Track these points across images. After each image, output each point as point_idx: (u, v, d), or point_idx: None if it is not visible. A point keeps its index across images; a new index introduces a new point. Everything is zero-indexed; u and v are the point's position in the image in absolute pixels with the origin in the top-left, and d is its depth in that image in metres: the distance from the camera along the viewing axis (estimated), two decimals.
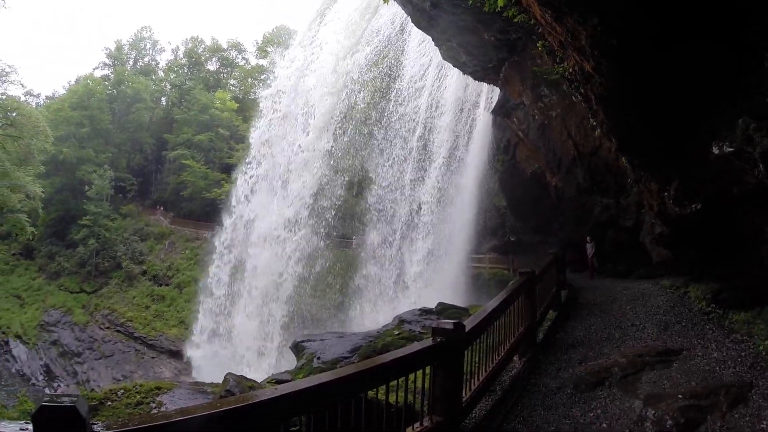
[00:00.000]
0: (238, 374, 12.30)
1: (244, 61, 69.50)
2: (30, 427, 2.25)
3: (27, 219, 34.00)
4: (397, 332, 15.12)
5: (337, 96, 35.39)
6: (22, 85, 33.76)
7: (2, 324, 45.02)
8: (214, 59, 69.68)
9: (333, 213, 34.71)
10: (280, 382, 13.62)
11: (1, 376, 38.97)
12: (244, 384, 10.48)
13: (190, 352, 38.31)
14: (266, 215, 36.79)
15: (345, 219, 35.36)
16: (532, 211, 22.34)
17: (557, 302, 12.05)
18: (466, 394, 5.60)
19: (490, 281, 24.15)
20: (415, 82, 31.38)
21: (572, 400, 6.66)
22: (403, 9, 20.91)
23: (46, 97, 74.24)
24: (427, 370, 5.01)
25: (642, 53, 6.24)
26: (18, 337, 43.53)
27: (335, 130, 35.23)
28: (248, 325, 34.35)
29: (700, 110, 6.70)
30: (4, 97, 32.20)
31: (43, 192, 35.18)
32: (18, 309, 46.88)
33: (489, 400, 6.63)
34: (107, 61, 66.05)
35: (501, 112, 22.18)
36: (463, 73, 23.40)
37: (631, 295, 12.90)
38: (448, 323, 5.12)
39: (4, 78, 31.45)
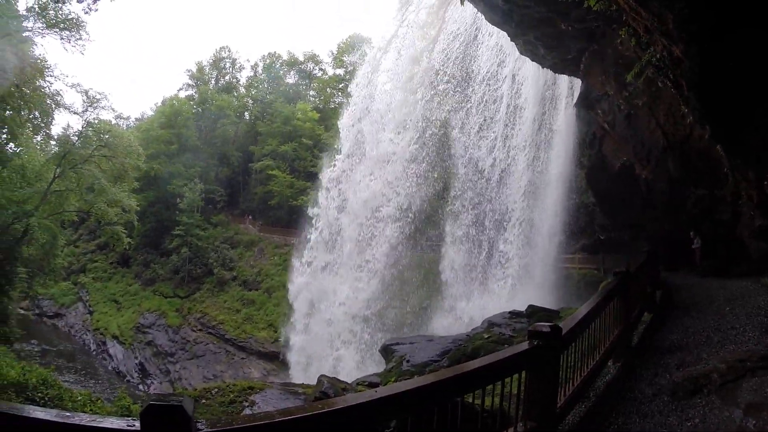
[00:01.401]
0: (330, 376, 12.47)
1: (321, 72, 71.07)
2: (137, 423, 2.31)
3: (123, 230, 36.53)
4: (486, 336, 14.96)
5: (416, 99, 35.28)
6: (113, 110, 36.83)
7: (101, 326, 48.65)
8: (292, 72, 71.93)
9: (418, 216, 34.47)
10: (371, 384, 13.83)
11: (99, 373, 41.54)
12: (338, 386, 10.63)
13: (285, 352, 39.30)
14: (351, 221, 37.21)
15: (430, 221, 35.10)
16: (621, 207, 21.19)
17: (652, 303, 11.29)
18: (560, 399, 5.35)
19: (581, 282, 23.06)
20: (493, 80, 30.73)
21: (669, 407, 6.24)
22: (476, 6, 20.58)
23: (135, 119, 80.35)
24: (523, 374, 4.82)
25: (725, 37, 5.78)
26: (115, 337, 46.69)
27: (417, 134, 35.01)
28: (334, 327, 34.88)
29: None
30: (96, 121, 34.46)
31: (138, 205, 37.70)
32: (115, 312, 50.42)
33: (583, 406, 6.34)
34: (190, 81, 69.58)
35: (584, 104, 21.30)
36: (543, 67, 22.58)
37: (730, 295, 11.98)
38: (545, 326, 4.91)
39: (95, 104, 33.40)
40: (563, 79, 25.06)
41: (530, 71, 27.08)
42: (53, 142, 35.06)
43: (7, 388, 10.40)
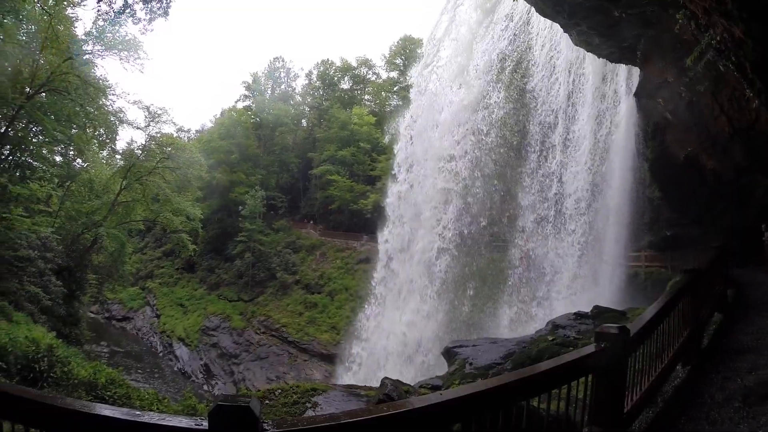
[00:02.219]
0: (393, 379, 12.52)
1: (375, 76, 72.09)
2: (204, 423, 2.36)
3: (188, 238, 37.99)
4: (551, 338, 14.60)
5: (475, 97, 34.86)
6: (174, 123, 38.40)
7: (167, 328, 51.22)
8: (346, 78, 72.83)
9: (483, 215, 34.20)
10: (434, 387, 13.91)
11: (165, 373, 43.74)
12: (401, 388, 10.61)
13: (348, 354, 39.75)
14: (419, 224, 37.24)
15: (492, 221, 34.58)
16: (688, 200, 20.07)
17: (723, 302, 10.56)
18: (627, 404, 5.11)
19: (647, 281, 22.02)
20: (549, 74, 29.92)
21: (740, 414, 5.84)
22: (526, 0, 20.14)
23: (196, 131, 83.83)
24: (589, 378, 4.61)
25: None
26: (181, 340, 48.94)
27: (475, 133, 34.59)
28: (398, 328, 34.97)
29: None
30: (159, 135, 36.30)
31: (201, 213, 39.12)
32: (181, 316, 52.91)
33: (650, 411, 6.06)
34: (247, 92, 71.79)
35: (644, 93, 20.26)
36: (598, 57, 21.85)
37: None
38: (612, 328, 4.70)
39: (157, 119, 34.96)
40: (622, 70, 24.09)
41: (588, 63, 26.30)
42: (118, 156, 36.96)
43: (78, 387, 10.93)
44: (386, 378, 12.08)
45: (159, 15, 19.29)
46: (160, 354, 49.11)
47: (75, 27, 27.99)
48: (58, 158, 33.05)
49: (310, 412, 9.52)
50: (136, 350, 47.64)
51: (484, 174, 33.93)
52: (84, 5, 21.20)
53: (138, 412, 2.58)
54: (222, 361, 45.45)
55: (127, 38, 27.82)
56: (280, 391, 11.22)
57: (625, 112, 23.94)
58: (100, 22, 25.06)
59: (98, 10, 20.95)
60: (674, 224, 21.89)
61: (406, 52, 63.76)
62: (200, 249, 59.10)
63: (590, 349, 4.68)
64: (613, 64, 22.94)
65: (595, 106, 26.45)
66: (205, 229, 57.61)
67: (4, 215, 18.75)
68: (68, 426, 2.53)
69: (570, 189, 27.61)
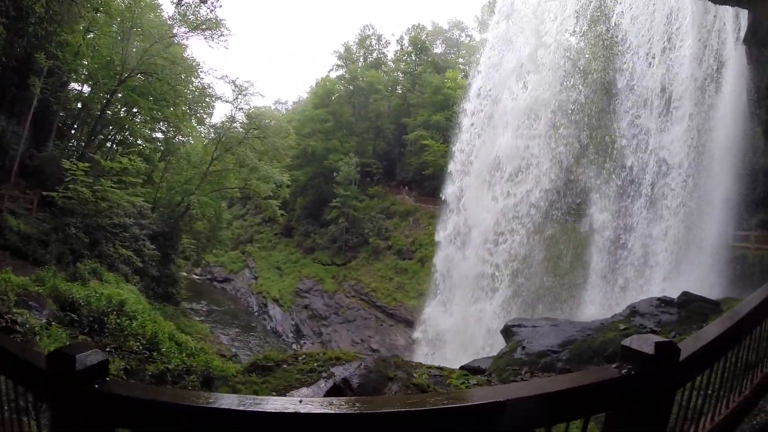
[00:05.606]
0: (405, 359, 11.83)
1: (468, 38, 69.74)
2: None
3: (278, 204, 39.15)
4: (623, 326, 12.86)
5: (557, 51, 31.63)
6: (261, 95, 39.17)
7: (263, 290, 53.79)
8: (438, 42, 71.00)
9: (563, 180, 30.97)
10: (471, 370, 12.87)
11: (257, 330, 45.95)
12: (385, 371, 9.70)
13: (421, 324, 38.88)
14: (485, 190, 34.94)
15: (573, 189, 31.52)
16: None
17: None
18: None
19: (756, 266, 18.34)
20: (641, 23, 26.39)
21: None
22: None
23: (293, 103, 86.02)
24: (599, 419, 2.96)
25: None
26: (275, 300, 51.20)
27: (558, 90, 31.33)
28: (466, 300, 33.38)
29: None
30: (248, 106, 37.74)
31: (291, 180, 40.26)
32: (277, 278, 55.28)
33: None
34: (339, 62, 71.74)
35: (755, 41, 16.99)
36: None
37: None
38: (647, 343, 2.86)
39: (244, 92, 36.11)
40: (728, 13, 20.25)
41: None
42: (210, 129, 38.65)
43: (128, 336, 11.63)
44: (371, 355, 11.26)
45: None
46: (255, 313, 51.78)
47: (160, 11, 29.48)
48: (159, 135, 35.45)
49: (321, 382, 9.13)
50: (232, 309, 50.43)
51: (569, 131, 30.57)
52: None
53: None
54: (312, 322, 47.00)
55: (208, 18, 28.67)
56: (304, 357, 10.97)
57: (732, 66, 20.23)
58: (182, 6, 26.22)
59: None
60: None
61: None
62: (297, 214, 61.64)
63: (609, 372, 2.88)
64: (716, 5, 19.09)
65: (696, 56, 22.59)
66: (302, 195, 60.23)
67: (95, 187, 19.97)
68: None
69: (666, 157, 24.09)
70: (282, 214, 41.61)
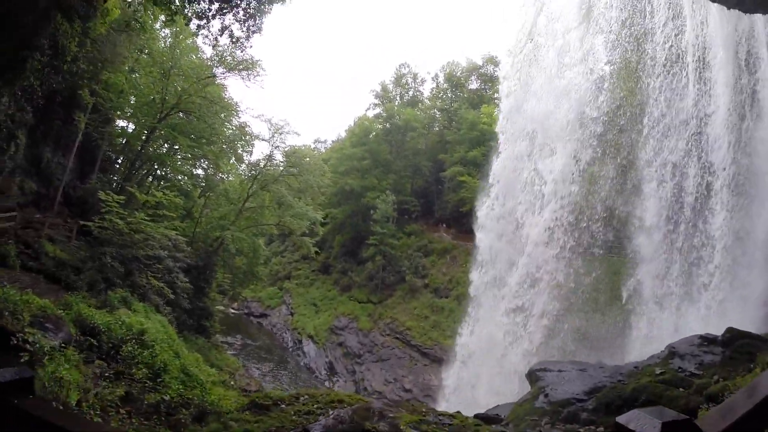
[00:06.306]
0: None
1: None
2: None
3: (312, 242, 40.09)
4: (659, 371, 11.68)
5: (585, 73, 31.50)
6: (297, 134, 40.19)
7: (299, 326, 54.59)
8: (472, 78, 72.00)
9: (591, 214, 29.74)
10: (488, 420, 12.04)
11: (290, 366, 46.39)
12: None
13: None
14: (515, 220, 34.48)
15: (609, 219, 30.50)
16: None
17: None
18: None
19: None
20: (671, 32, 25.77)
21: None
22: None
23: (332, 141, 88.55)
24: None
25: None
26: (310, 337, 51.76)
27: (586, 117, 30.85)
28: (496, 340, 32.66)
29: None
30: (283, 144, 39.26)
31: (327, 219, 40.59)
32: (313, 315, 55.95)
33: None
34: (376, 101, 73.99)
35: None
36: (728, 8, 18.05)
37: None
38: (651, 424, 2.32)
39: (280, 131, 37.61)
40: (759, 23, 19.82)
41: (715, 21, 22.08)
42: (246, 167, 40.49)
43: (139, 364, 12.13)
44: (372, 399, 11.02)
45: (253, 32, 21.07)
46: (290, 349, 52.48)
47: (202, 53, 31.71)
48: (200, 172, 37.44)
49: (339, 427, 8.62)
50: (267, 344, 51.34)
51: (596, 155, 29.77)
52: (202, 34, 23.86)
53: None
54: (346, 360, 47.02)
55: (244, 59, 30.49)
56: (306, 397, 10.93)
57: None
58: (219, 48, 28.16)
59: (200, 34, 23.60)
60: None
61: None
62: (335, 252, 62.65)
63: None
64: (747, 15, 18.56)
65: (731, 69, 21.83)
66: (340, 233, 61.20)
67: (129, 219, 21.35)
68: None
69: (706, 176, 22.94)
70: (317, 252, 42.50)
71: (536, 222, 32.05)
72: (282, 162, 37.86)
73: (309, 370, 47.06)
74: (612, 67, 30.70)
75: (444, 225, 59.49)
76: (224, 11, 18.25)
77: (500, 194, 35.41)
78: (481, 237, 37.00)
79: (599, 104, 29.57)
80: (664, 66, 25.91)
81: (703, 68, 23.75)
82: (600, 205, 29.55)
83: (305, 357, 49.67)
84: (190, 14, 18.50)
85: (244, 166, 39.49)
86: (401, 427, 8.94)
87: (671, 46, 25.63)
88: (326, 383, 43.61)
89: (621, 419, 2.39)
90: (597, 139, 29.69)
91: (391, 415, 9.79)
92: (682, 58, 24.93)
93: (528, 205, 32.86)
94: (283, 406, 10.34)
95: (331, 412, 9.56)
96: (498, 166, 35.88)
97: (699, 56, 23.88)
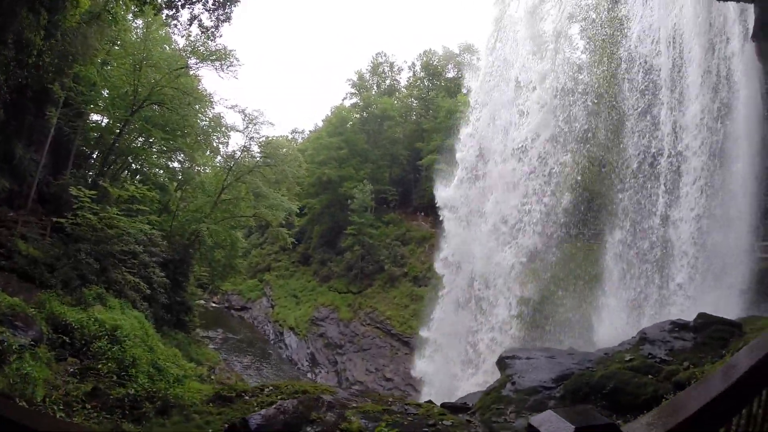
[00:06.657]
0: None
1: (478, 60, 69.80)
2: None
3: (290, 233, 39.86)
4: (628, 357, 11.87)
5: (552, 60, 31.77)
6: (271, 124, 39.69)
7: (280, 318, 54.57)
8: (449, 66, 71.73)
9: (568, 199, 30.19)
10: (455, 408, 12.12)
11: (272, 358, 46.53)
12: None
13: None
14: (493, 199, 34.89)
15: (581, 204, 30.73)
16: None
17: None
18: None
19: None
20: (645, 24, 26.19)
21: None
22: None
23: (310, 131, 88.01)
24: None
25: None
26: (291, 329, 51.82)
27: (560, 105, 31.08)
28: (467, 325, 33.06)
29: None
30: (257, 135, 38.80)
31: (305, 210, 40.35)
32: (294, 306, 55.96)
33: None
34: (353, 90, 73.54)
35: (764, 34, 16.55)
36: None
37: None
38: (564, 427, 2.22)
39: (254, 121, 37.21)
40: (731, 11, 19.83)
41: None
42: (221, 159, 40.05)
43: (110, 360, 12.17)
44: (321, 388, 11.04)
45: (223, 21, 20.77)
46: (271, 341, 52.55)
47: (175, 44, 31.15)
48: (176, 164, 36.87)
49: (280, 417, 8.60)
50: (249, 337, 51.32)
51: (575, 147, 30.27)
52: (173, 24, 23.38)
53: None
54: (327, 351, 47.22)
55: (217, 49, 30.00)
56: (270, 388, 11.05)
57: (742, 64, 19.53)
58: (191, 39, 27.72)
59: (170, 24, 23.11)
60: None
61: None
62: (314, 242, 62.49)
63: None
64: (720, 2, 18.75)
65: (706, 60, 21.83)
66: (318, 223, 60.89)
67: (101, 214, 20.98)
68: None
69: (681, 165, 23.09)
70: (295, 242, 42.17)
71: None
72: (258, 153, 37.48)
73: (291, 362, 47.13)
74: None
75: (422, 213, 59.55)
76: (193, 1, 17.96)
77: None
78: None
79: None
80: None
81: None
82: (570, 192, 30.06)
83: (287, 349, 49.74)
84: (159, 3, 18.18)
85: (219, 157, 38.98)
86: (347, 416, 8.99)
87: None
88: (308, 375, 43.74)
89: (534, 420, 2.26)
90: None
91: (353, 405, 9.96)
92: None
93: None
94: (247, 397, 10.50)
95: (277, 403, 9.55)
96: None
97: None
